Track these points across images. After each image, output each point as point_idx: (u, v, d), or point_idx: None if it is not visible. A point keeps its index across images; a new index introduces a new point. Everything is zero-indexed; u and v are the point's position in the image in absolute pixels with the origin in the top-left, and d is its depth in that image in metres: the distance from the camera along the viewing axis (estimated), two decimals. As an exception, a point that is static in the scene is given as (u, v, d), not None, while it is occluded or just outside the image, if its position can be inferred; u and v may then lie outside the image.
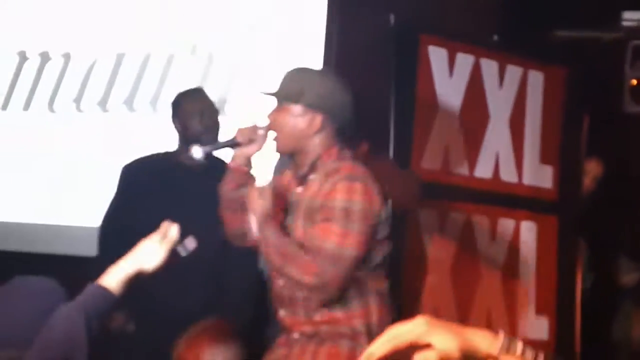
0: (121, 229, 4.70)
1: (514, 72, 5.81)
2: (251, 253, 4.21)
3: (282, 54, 5.93)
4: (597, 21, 6.35)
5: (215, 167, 4.31)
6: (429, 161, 5.44)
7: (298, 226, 3.57)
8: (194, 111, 4.87)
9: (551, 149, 5.84)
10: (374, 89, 5.44)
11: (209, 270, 4.79)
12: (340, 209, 3.43)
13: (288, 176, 3.72)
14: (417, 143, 5.38)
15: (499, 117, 5.73)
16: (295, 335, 3.66)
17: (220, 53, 6.28)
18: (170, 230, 3.07)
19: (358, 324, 3.60)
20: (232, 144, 3.67)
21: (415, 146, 5.37)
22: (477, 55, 5.67)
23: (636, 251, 6.52)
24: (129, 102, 6.49)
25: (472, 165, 5.60)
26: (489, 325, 5.58)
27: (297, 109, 3.55)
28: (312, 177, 3.57)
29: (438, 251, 5.35)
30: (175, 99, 5.06)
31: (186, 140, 4.80)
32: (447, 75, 5.56)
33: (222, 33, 6.27)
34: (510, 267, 5.63)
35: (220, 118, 5.03)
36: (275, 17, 6.01)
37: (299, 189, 3.61)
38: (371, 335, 3.50)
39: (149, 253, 3.01)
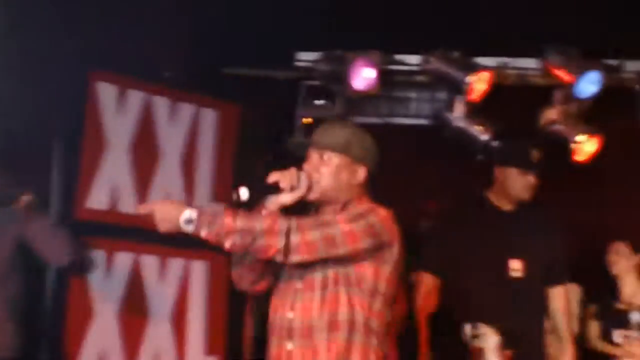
0: None
1: (186, 109, 5.86)
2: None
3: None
4: (272, 60, 6.47)
5: None
6: (96, 200, 5.36)
7: (309, 266, 3.54)
8: None
9: (224, 186, 5.90)
10: (40, 122, 5.29)
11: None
12: (354, 212, 3.52)
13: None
14: (82, 182, 5.31)
15: (170, 154, 5.73)
16: None
17: None
18: None
19: None
20: (274, 189, 3.57)
21: (80, 185, 5.27)
22: (149, 92, 5.67)
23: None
24: None
25: (142, 203, 5.55)
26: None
27: (342, 160, 3.60)
28: None
29: (103, 293, 5.26)
30: None
31: None
32: (117, 112, 5.50)
33: None
34: (180, 308, 5.61)
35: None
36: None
37: None
38: None
39: None
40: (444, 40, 6.20)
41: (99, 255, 5.34)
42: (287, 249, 3.40)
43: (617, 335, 5.91)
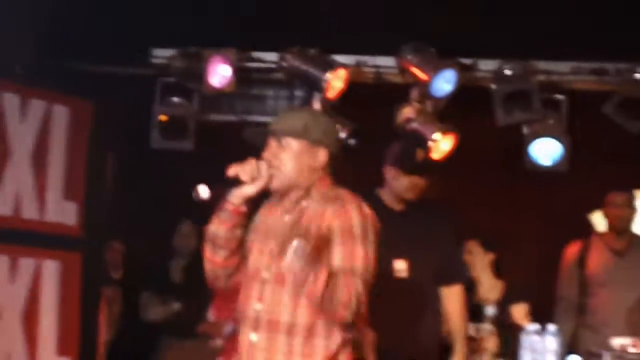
0: None
1: (37, 106, 5.72)
2: None
3: None
4: (128, 57, 6.37)
5: None
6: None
7: (280, 254, 3.53)
8: None
9: (76, 185, 5.78)
10: None
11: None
12: (357, 231, 3.55)
13: (266, 205, 3.73)
14: None
15: (21, 152, 5.60)
16: None
17: None
18: None
19: None
20: (235, 183, 3.54)
21: None
22: (-1, 89, 5.50)
23: (161, 286, 6.61)
24: None
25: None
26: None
27: (301, 144, 3.59)
28: (304, 203, 3.62)
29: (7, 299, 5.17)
30: None
31: None
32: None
33: None
34: (32, 308, 5.48)
35: None
36: None
37: (287, 217, 3.61)
38: None
39: None
40: (301, 38, 6.21)
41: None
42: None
43: (471, 329, 6.01)
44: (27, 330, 5.47)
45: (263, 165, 3.57)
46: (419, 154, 5.19)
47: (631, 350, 4.72)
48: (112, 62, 6.36)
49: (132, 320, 6.53)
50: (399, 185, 5.07)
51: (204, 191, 3.50)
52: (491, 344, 5.87)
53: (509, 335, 5.76)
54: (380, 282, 4.81)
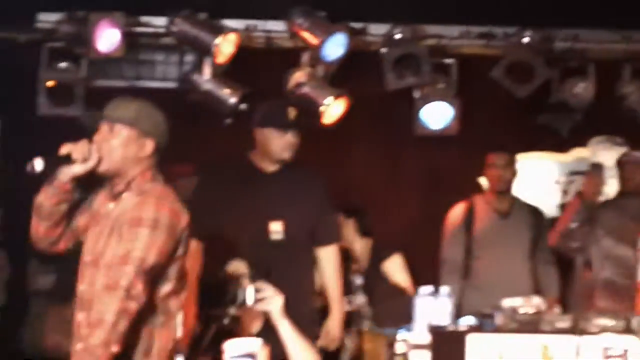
0: None
1: None
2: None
3: None
4: (12, 21, 6.22)
5: None
6: None
7: (104, 236, 3.70)
8: None
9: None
10: None
11: None
12: (147, 220, 3.61)
13: (102, 192, 3.85)
14: None
15: None
16: None
17: None
18: None
19: None
20: (66, 160, 3.65)
21: None
22: None
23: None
24: None
25: None
26: None
27: (131, 133, 3.72)
28: (125, 195, 3.73)
29: None
30: None
31: None
32: None
33: None
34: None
35: None
36: None
37: (111, 205, 3.76)
38: None
39: None
40: (190, 2, 6.16)
41: None
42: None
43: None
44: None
45: (94, 147, 3.70)
46: (290, 111, 5.18)
47: (522, 310, 4.81)
48: (-2, 28, 6.20)
49: (20, 287, 6.42)
50: (273, 145, 5.08)
51: (38, 164, 3.62)
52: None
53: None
54: (257, 243, 4.89)
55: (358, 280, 6.09)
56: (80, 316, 3.68)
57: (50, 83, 6.35)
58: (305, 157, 5.26)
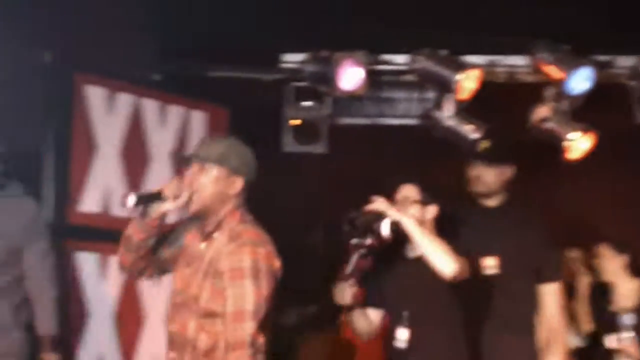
0: None
1: (176, 111, 5.83)
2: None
3: None
4: (258, 62, 6.44)
5: None
6: (88, 203, 5.30)
7: (198, 278, 3.77)
8: None
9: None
10: (28, 127, 5.23)
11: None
12: (249, 269, 3.67)
13: (193, 230, 3.94)
14: (74, 186, 5.25)
15: (160, 157, 5.70)
16: None
17: None
18: None
19: None
20: (158, 197, 3.79)
21: (72, 190, 5.23)
22: (138, 95, 5.67)
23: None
24: None
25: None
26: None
27: (221, 171, 3.79)
28: (216, 234, 3.80)
29: (98, 297, 5.23)
30: None
31: None
32: (106, 115, 5.47)
33: None
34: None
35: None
36: None
37: (202, 245, 3.84)
38: None
39: None
40: (431, 39, 6.19)
41: (93, 259, 5.28)
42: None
43: (611, 340, 5.87)
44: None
45: (184, 186, 3.78)
46: (482, 143, 5.10)
47: None
48: (245, 69, 6.42)
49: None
50: (469, 178, 5.02)
51: (131, 199, 3.73)
52: (634, 353, 5.74)
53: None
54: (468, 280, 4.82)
55: (628, 320, 5.90)
56: (171, 355, 3.78)
57: (295, 121, 6.52)
58: (546, 193, 5.18)
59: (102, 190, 5.44)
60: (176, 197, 3.75)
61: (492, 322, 4.83)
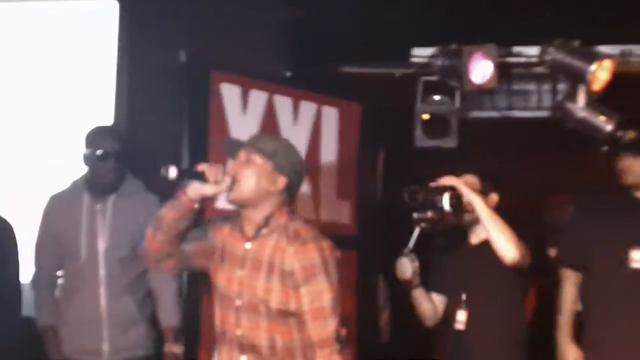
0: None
1: (308, 108, 5.90)
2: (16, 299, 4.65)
3: (72, 88, 5.67)
4: (388, 57, 6.46)
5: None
6: (224, 200, 5.38)
7: (260, 280, 3.70)
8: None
9: (348, 184, 5.88)
10: (165, 126, 5.36)
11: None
12: (318, 266, 3.64)
13: (226, 229, 3.84)
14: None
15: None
16: None
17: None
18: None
19: None
20: (199, 177, 3.65)
21: (210, 186, 5.30)
22: (271, 92, 5.74)
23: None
24: None
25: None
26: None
27: (266, 166, 3.70)
28: (264, 231, 3.73)
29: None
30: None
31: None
32: (241, 112, 5.56)
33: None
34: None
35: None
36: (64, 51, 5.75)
37: (248, 245, 3.75)
38: None
39: None
40: (562, 29, 6.11)
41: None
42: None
43: None
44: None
45: (227, 173, 3.68)
46: (628, 134, 4.99)
47: None
48: (375, 64, 6.45)
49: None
50: (618, 170, 4.94)
51: (172, 172, 3.57)
52: None
53: None
54: (614, 274, 4.71)
55: None
56: (244, 358, 3.71)
57: (425, 116, 6.51)
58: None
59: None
60: (217, 182, 3.64)
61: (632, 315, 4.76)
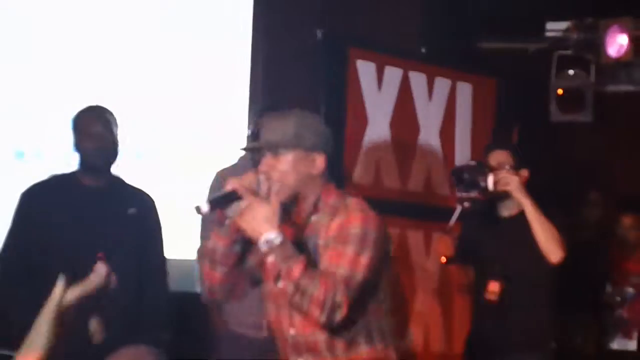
0: (24, 256, 4.51)
1: (442, 84, 5.91)
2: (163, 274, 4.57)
3: (207, 68, 5.73)
4: (523, 32, 6.41)
5: (116, 187, 4.53)
6: (361, 175, 5.45)
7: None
8: (86, 132, 4.56)
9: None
10: (303, 103, 5.40)
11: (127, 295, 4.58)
12: (355, 235, 3.29)
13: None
14: (348, 157, 5.39)
15: (429, 129, 5.77)
16: None
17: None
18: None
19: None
20: (233, 197, 3.35)
21: (346, 161, 5.36)
22: (406, 68, 5.76)
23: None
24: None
25: (404, 178, 5.60)
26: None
27: (297, 154, 3.36)
28: (314, 218, 3.42)
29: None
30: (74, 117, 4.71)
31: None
32: (376, 89, 5.61)
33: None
34: (446, 282, 5.64)
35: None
36: (200, 31, 5.82)
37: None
38: None
39: None
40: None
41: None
42: (328, 323, 3.26)
43: None
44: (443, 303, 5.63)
45: (262, 178, 3.36)
46: None
47: None
48: (510, 39, 6.41)
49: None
50: None
51: (204, 207, 3.29)
52: None
53: None
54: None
55: None
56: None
57: (560, 90, 6.44)
58: None
59: (374, 162, 5.56)
60: (254, 192, 3.32)
61: None
